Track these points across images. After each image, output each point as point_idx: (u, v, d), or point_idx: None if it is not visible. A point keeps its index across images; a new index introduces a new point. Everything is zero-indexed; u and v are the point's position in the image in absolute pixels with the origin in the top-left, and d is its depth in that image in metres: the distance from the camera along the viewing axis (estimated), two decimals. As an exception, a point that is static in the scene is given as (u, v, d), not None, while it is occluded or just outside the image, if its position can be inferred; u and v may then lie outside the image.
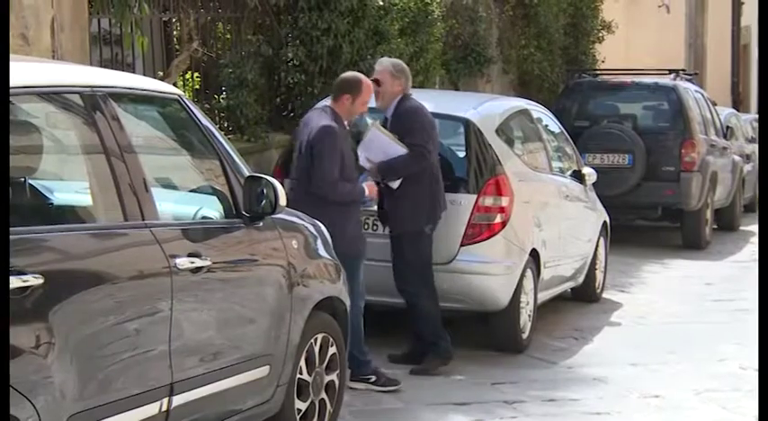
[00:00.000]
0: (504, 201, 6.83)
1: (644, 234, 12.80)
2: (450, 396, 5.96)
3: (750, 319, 8.32)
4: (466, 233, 6.76)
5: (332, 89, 6.14)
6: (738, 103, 22.16)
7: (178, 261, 3.87)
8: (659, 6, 18.28)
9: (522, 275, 6.98)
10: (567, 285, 8.33)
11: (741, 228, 14.13)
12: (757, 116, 20.79)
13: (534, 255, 7.17)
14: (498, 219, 6.78)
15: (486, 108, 7.53)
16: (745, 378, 6.53)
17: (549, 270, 7.53)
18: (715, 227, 13.10)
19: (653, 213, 12.38)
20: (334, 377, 4.90)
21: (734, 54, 22.66)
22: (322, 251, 4.92)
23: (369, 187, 6.06)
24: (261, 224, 4.42)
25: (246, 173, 4.45)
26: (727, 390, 6.26)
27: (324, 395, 4.83)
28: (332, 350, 4.87)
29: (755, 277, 10.37)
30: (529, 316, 7.13)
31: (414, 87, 8.87)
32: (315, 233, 4.94)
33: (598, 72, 13.84)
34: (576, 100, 12.88)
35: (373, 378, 5.94)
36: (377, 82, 6.32)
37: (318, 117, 5.95)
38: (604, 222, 9.03)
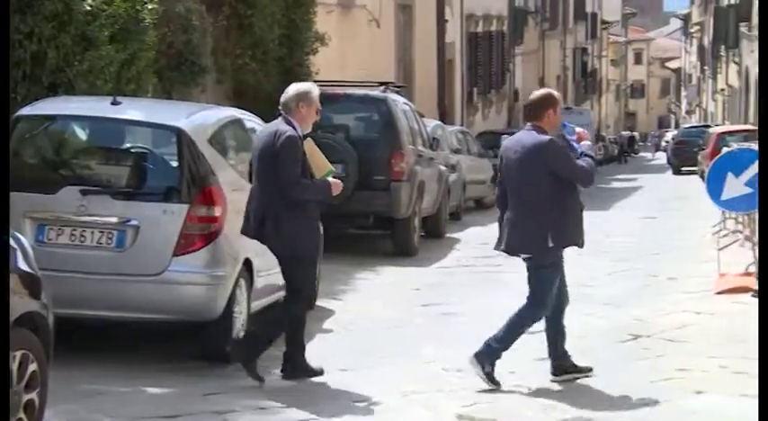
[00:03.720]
0: (217, 211, 6.84)
1: (357, 242, 13.14)
2: (159, 409, 5.87)
3: (453, 322, 8.75)
4: (178, 243, 6.71)
5: (530, 111, 6.70)
6: (444, 116, 23.21)
7: None
8: (370, 21, 18.81)
9: (236, 285, 6.99)
10: (282, 293, 8.40)
11: (447, 235, 14.80)
12: (461, 128, 21.89)
13: (248, 264, 7.20)
14: (211, 229, 6.76)
15: (199, 117, 7.51)
16: (446, 379, 6.84)
17: (263, 279, 7.58)
18: (423, 234, 13.65)
19: (365, 221, 12.73)
20: (33, 395, 4.70)
21: (440, 69, 23.70)
22: (21, 264, 4.71)
23: None
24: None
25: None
26: (431, 391, 6.53)
27: (22, 415, 4.61)
28: (32, 367, 4.67)
29: (459, 282, 10.93)
30: (242, 325, 7.14)
31: (126, 96, 8.75)
32: (14, 245, 4.72)
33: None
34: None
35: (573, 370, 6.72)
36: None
37: (529, 135, 6.55)
38: (317, 231, 9.18)
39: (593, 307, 9.30)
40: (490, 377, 6.46)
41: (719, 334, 8.02)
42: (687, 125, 48.38)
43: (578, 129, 6.92)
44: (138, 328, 7.36)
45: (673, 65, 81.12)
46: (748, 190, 10.26)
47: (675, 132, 46.32)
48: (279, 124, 6.58)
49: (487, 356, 6.50)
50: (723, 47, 40.52)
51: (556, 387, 6.57)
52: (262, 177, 6.52)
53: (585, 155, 6.66)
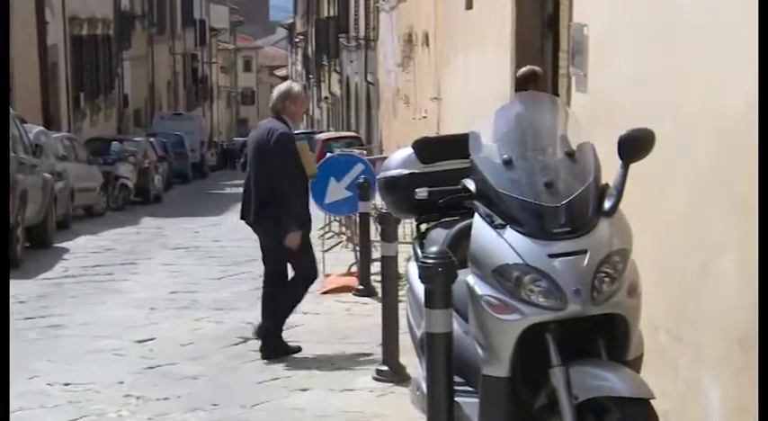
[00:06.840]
0: None
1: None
2: None
3: (60, 335, 8.46)
4: None
5: (516, 85, 7.45)
6: (49, 121, 22.36)
7: None
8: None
9: None
10: None
11: (54, 245, 14.29)
12: (67, 134, 21.19)
13: None
14: None
15: None
16: (51, 394, 6.60)
17: None
18: (27, 245, 13.10)
19: (-38, 233, 11.99)
20: None
21: (42, 72, 22.80)
22: None
23: None
24: None
25: None
26: (35, 408, 6.26)
27: None
28: None
29: (66, 294, 10.58)
30: None
31: None
32: None
33: None
34: None
35: None
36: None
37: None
38: None
39: (202, 311, 9.38)
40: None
41: (324, 332, 8.37)
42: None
43: None
44: None
45: (280, 73, 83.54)
46: (348, 193, 10.82)
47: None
48: (272, 122, 7.20)
49: None
50: (325, 56, 42.37)
51: (165, 394, 6.55)
52: (256, 170, 7.16)
53: None
